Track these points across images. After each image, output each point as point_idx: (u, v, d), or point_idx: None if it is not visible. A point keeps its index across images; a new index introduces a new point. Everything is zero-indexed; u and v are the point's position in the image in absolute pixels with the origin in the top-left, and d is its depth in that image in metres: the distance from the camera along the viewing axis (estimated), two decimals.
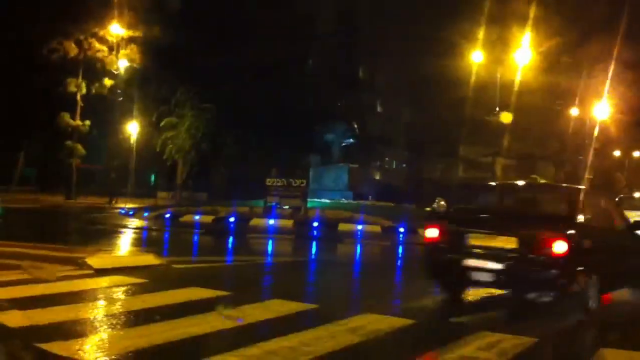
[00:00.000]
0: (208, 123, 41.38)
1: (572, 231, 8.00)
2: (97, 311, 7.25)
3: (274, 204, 23.78)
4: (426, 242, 8.98)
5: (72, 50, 34.95)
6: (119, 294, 8.29)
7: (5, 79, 36.43)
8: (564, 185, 12.29)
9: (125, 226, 20.38)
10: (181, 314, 6.96)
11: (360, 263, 15.28)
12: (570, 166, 41.75)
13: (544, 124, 38.76)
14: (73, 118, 36.02)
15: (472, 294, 9.51)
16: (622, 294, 9.81)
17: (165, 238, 18.76)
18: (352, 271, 13.45)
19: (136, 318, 6.83)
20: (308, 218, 22.85)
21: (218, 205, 26.24)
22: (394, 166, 50.91)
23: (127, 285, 8.74)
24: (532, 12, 29.38)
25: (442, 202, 22.66)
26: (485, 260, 8.19)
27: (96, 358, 5.43)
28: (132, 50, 36.04)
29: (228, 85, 40.09)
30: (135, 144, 38.60)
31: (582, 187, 12.42)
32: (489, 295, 9.38)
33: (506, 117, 31.17)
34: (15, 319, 6.44)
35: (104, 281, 8.95)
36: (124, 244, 15.84)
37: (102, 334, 6.20)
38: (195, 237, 18.65)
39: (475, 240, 8.36)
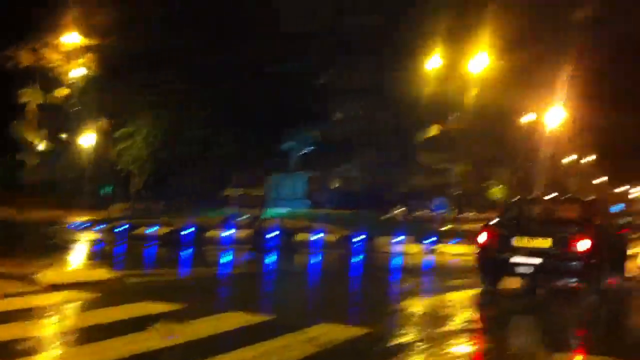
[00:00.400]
0: (166, 131, 40.76)
1: (593, 232, 10.77)
2: (48, 328, 7.11)
3: (232, 214, 23.67)
4: (478, 245, 11.58)
5: (27, 59, 34.23)
6: (71, 310, 8.15)
7: None
8: (582, 198, 14.53)
9: (77, 240, 20.02)
10: (135, 329, 6.88)
11: (317, 272, 15.32)
12: (522, 172, 42.61)
13: (500, 130, 39.49)
14: (26, 128, 35.26)
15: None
16: None
17: (118, 251, 18.47)
18: (310, 281, 13.49)
19: (88, 335, 6.72)
20: (266, 228, 22.79)
21: (175, 215, 25.98)
22: (355, 173, 51.04)
23: (78, 300, 8.60)
24: (489, 18, 29.99)
25: (401, 210, 22.96)
26: (528, 256, 10.80)
27: None
28: (88, 59, 35.47)
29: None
30: (91, 155, 37.94)
31: (595, 197, 16.91)
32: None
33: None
34: None
35: (54, 297, 8.78)
36: (76, 258, 15.56)
37: (52, 352, 6.09)
38: (150, 250, 18.43)
39: (519, 242, 11.00)
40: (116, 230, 23.13)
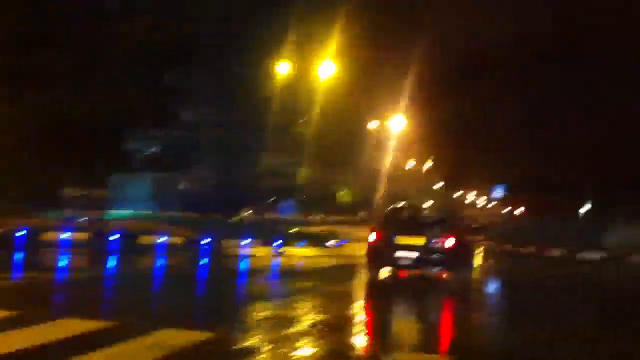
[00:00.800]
0: None
1: (456, 232, 14.67)
2: None
3: (71, 215, 22.53)
4: (369, 243, 14.71)
5: None
6: None
7: None
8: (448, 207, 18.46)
9: None
10: None
11: (161, 276, 15.05)
12: (367, 176, 44.27)
13: (346, 135, 40.80)
14: None
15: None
16: None
17: None
18: (153, 285, 13.23)
19: None
20: (107, 230, 21.94)
21: (6, 217, 24.23)
22: (203, 175, 50.37)
23: None
24: (338, 23, 30.87)
25: (249, 212, 23.12)
26: (408, 251, 14.16)
27: None
28: None
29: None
30: None
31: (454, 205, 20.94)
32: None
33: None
34: None
35: None
36: None
37: None
38: None
39: (401, 240, 14.32)
40: None
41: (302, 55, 34.16)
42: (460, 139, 45.27)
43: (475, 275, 17.26)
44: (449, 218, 15.79)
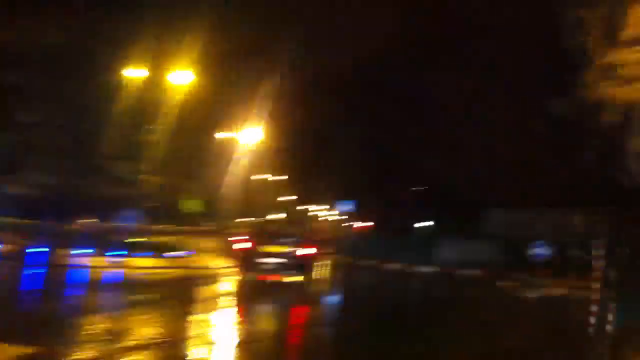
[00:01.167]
0: None
1: (314, 243, 18.74)
2: None
3: None
4: (242, 250, 18.30)
5: None
6: None
7: None
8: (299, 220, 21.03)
9: None
10: None
11: None
12: (214, 186, 44.13)
13: (197, 144, 40.45)
14: None
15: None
16: None
17: None
18: None
19: None
20: None
21: None
22: (39, 180, 47.67)
23: None
24: (194, 32, 30.60)
25: (89, 220, 22.28)
26: (274, 258, 17.09)
27: None
28: None
29: None
30: None
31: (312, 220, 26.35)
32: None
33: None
34: None
35: None
36: None
37: None
38: None
39: (268, 249, 17.28)
40: None
41: (158, 63, 33.49)
42: (313, 153, 46.46)
43: (322, 284, 19.71)
44: (307, 231, 19.18)
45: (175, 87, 31.26)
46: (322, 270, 21.06)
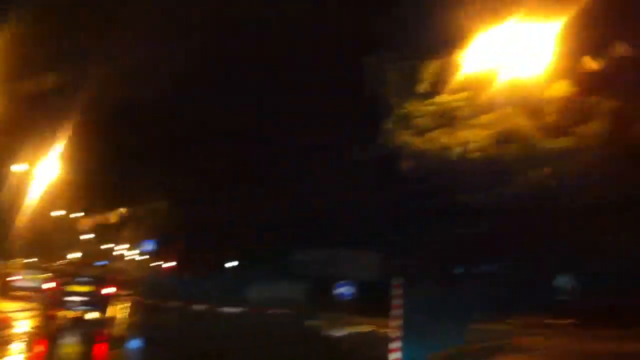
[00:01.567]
0: None
1: (115, 283, 20.42)
2: None
3: None
4: (48, 289, 20.13)
5: None
6: None
7: None
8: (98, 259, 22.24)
9: None
10: None
11: None
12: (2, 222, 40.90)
13: None
14: None
15: None
16: None
17: None
18: None
19: None
20: None
21: None
22: None
23: None
24: None
25: None
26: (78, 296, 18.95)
27: None
28: None
29: None
30: None
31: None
32: None
33: None
34: None
35: None
36: None
37: None
38: None
39: (73, 288, 19.28)
40: None
41: None
42: (114, 188, 44.72)
43: (123, 324, 19.90)
44: (107, 271, 21.28)
45: None
46: (123, 311, 21.00)
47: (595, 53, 17.52)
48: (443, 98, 20.13)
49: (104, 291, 19.46)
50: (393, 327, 14.15)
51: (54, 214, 47.29)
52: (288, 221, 30.55)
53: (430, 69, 19.82)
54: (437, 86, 20.07)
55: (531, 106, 18.98)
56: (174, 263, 55.81)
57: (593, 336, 16.27)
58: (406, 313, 14.83)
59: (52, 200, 41.15)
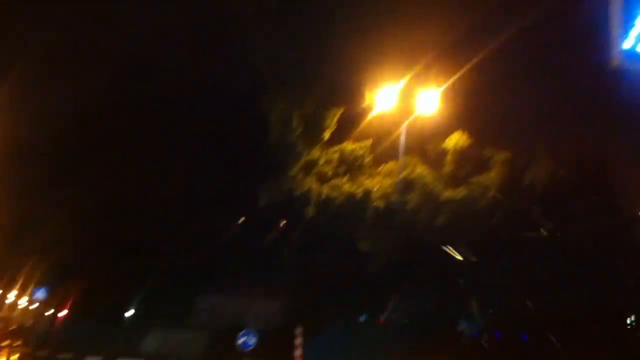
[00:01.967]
0: None
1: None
2: None
3: None
4: None
5: None
6: None
7: None
8: None
9: None
10: None
11: None
12: None
13: None
14: None
15: None
16: None
17: None
18: None
19: None
20: None
21: None
22: None
23: None
24: None
25: None
26: None
27: None
28: None
29: None
30: None
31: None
32: None
33: None
34: None
35: None
36: None
37: None
38: None
39: None
40: None
41: None
42: (12, 230, 42.70)
43: None
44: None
45: None
46: None
47: (485, 108, 18.61)
48: (346, 146, 20.69)
49: None
50: None
51: None
52: (191, 267, 30.05)
53: (334, 116, 20.36)
54: (340, 134, 20.63)
55: (430, 156, 19.83)
56: (67, 311, 53.53)
57: None
58: None
59: None
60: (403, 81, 18.44)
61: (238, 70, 22.18)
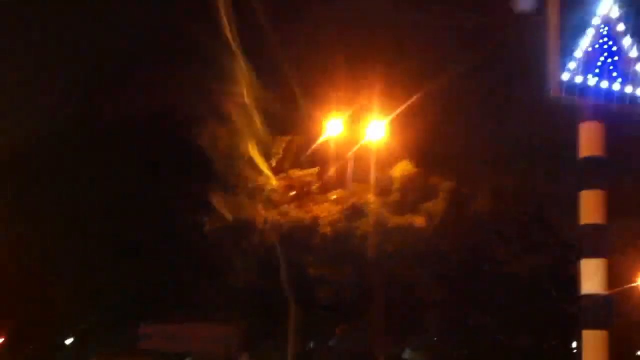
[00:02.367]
0: None
1: None
2: None
3: None
4: None
5: None
6: None
7: None
8: None
9: None
10: None
11: None
12: None
13: None
14: None
15: None
16: None
17: None
18: None
19: None
20: None
21: None
22: None
23: None
24: None
25: None
26: None
27: None
28: None
29: None
30: None
31: None
32: None
33: None
34: None
35: None
36: None
37: None
38: None
39: None
40: None
41: None
42: None
43: None
44: None
45: None
46: None
47: (432, 139, 19.04)
48: (294, 173, 20.76)
49: None
50: None
51: None
52: (134, 293, 29.42)
53: (282, 144, 20.49)
54: (288, 161, 20.72)
55: (378, 184, 20.05)
56: (2, 339, 51.63)
57: None
58: None
59: None
60: (350, 110, 18.75)
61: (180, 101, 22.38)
